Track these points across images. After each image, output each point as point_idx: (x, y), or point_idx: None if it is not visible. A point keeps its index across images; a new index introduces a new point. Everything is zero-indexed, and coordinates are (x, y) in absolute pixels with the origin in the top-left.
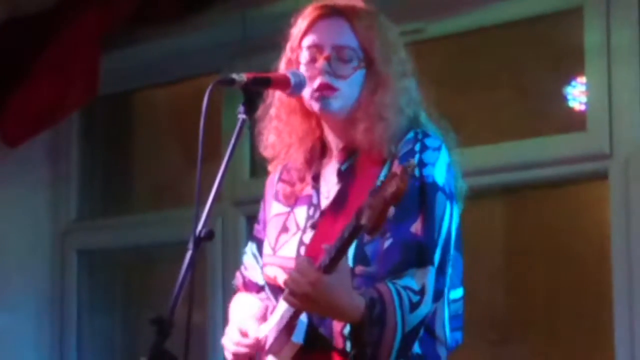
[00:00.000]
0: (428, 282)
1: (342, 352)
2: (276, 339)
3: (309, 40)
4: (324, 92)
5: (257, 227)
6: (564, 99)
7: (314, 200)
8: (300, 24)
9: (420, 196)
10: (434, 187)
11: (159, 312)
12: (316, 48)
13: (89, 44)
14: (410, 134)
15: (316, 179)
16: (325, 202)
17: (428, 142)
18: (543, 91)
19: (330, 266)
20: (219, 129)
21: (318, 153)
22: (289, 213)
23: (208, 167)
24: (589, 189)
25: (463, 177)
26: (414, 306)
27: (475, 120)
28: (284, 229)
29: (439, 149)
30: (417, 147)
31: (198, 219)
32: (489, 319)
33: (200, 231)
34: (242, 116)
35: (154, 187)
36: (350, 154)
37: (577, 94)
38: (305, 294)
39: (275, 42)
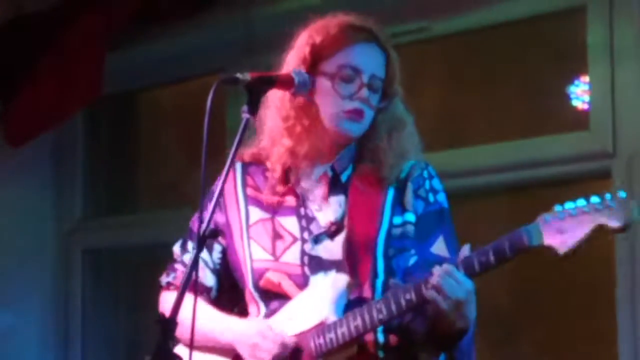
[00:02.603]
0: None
1: (374, 358)
2: (336, 345)
3: (349, 59)
4: (356, 116)
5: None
6: (567, 98)
7: (302, 212)
8: (338, 36)
9: (439, 220)
10: (448, 212)
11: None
12: (355, 71)
13: (93, 44)
14: (411, 161)
15: (299, 189)
16: (320, 215)
17: (431, 170)
18: (546, 90)
19: (475, 276)
20: (223, 128)
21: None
22: (272, 219)
23: (212, 166)
24: (592, 188)
25: (466, 176)
26: None
27: (479, 119)
28: (277, 235)
29: (438, 176)
30: (425, 174)
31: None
32: (493, 319)
33: (205, 230)
34: (246, 115)
35: (159, 186)
36: (348, 165)
37: (580, 93)
38: (458, 299)
39: (279, 41)
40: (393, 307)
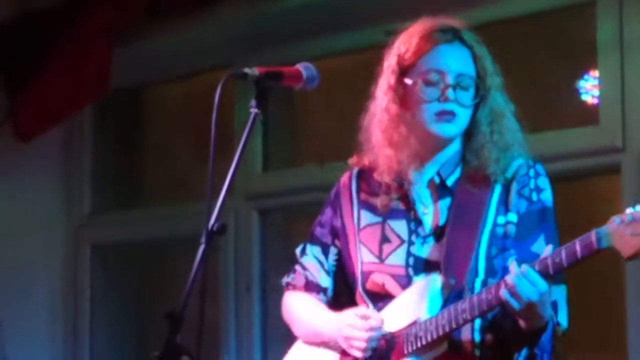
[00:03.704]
0: (560, 299)
1: (472, 356)
2: (425, 343)
3: (431, 63)
4: (447, 116)
5: (322, 231)
6: (576, 92)
7: (412, 216)
8: (420, 42)
9: (541, 219)
10: (551, 211)
11: (171, 307)
12: (439, 74)
13: (101, 39)
14: (520, 160)
15: (410, 194)
16: (426, 218)
17: (539, 168)
18: (555, 85)
19: (549, 278)
20: (231, 123)
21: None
22: (383, 224)
23: (220, 162)
24: (601, 182)
25: None
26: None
27: None
28: (385, 239)
29: (546, 175)
30: (532, 172)
31: (210, 213)
32: None
33: (213, 225)
34: (254, 110)
35: (167, 181)
36: (455, 168)
37: (589, 88)
38: (530, 300)
39: (286, 36)
40: (475, 307)
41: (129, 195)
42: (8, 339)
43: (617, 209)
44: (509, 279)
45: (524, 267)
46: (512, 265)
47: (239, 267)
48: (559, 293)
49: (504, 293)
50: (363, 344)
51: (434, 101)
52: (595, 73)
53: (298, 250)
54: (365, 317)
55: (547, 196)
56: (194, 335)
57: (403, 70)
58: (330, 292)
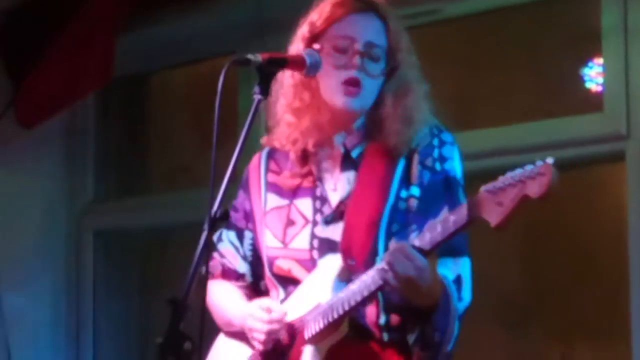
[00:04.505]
0: (464, 273)
1: (380, 341)
2: (321, 329)
3: (341, 29)
4: (352, 87)
5: (236, 215)
6: (580, 80)
7: (318, 193)
8: (333, 10)
9: (445, 190)
10: (456, 181)
11: (174, 293)
12: (349, 40)
13: (104, 26)
14: (425, 129)
15: (317, 170)
16: (333, 195)
17: (444, 137)
18: (560, 72)
19: (428, 253)
20: (234, 109)
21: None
22: (289, 206)
23: (224, 148)
24: (605, 170)
25: (480, 158)
26: (459, 298)
27: (492, 101)
28: (290, 222)
29: (453, 143)
30: (436, 142)
31: (214, 200)
32: (505, 303)
33: (216, 212)
34: (257, 96)
35: (170, 168)
36: (361, 141)
37: (593, 75)
38: (409, 277)
39: (290, 22)
40: (364, 288)
41: (132, 182)
42: (11, 325)
43: (621, 196)
44: (386, 255)
45: (400, 243)
46: (392, 242)
47: None
48: (462, 266)
49: (380, 270)
50: (262, 337)
51: (341, 68)
52: (600, 60)
53: (215, 237)
54: (268, 310)
55: (453, 165)
56: (196, 322)
57: (313, 37)
58: (249, 278)
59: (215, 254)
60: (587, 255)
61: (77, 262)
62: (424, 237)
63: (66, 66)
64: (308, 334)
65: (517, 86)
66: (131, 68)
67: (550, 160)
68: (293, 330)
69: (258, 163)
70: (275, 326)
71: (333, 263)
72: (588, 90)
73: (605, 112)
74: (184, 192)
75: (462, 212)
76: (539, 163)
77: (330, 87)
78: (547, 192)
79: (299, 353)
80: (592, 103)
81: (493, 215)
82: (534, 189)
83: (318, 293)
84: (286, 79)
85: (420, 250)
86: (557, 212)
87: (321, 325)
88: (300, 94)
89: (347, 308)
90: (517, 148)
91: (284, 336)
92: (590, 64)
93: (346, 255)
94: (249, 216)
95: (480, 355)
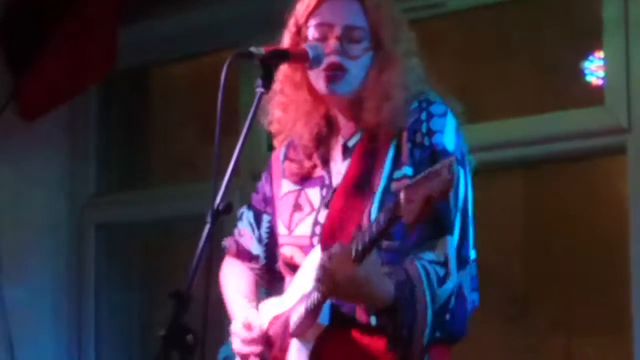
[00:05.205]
0: (449, 252)
1: (366, 327)
2: (300, 322)
3: (318, 17)
4: (334, 72)
5: (256, 197)
6: (581, 73)
7: (326, 181)
8: (310, 2)
9: (431, 165)
10: (445, 154)
11: (177, 286)
12: (327, 27)
13: (106, 17)
14: (415, 104)
15: (326, 159)
16: (336, 181)
17: (433, 109)
18: (561, 66)
19: (363, 255)
20: (237, 102)
21: (325, 130)
22: (299, 191)
23: (226, 141)
24: (606, 163)
25: (481, 151)
26: (442, 280)
27: (494, 94)
28: (297, 207)
29: (444, 114)
30: (423, 115)
31: (216, 193)
32: (508, 293)
33: (218, 205)
34: (260, 90)
35: (172, 161)
36: (357, 129)
37: (594, 69)
38: (339, 285)
39: None
40: None
41: (134, 175)
42: (13, 317)
43: (622, 189)
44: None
45: (328, 252)
46: (335, 246)
47: None
48: (449, 245)
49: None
50: (242, 352)
51: (325, 57)
52: (601, 54)
53: (238, 213)
54: (248, 327)
55: (442, 139)
56: (199, 315)
57: (298, 30)
58: (262, 260)
59: (235, 231)
60: (588, 247)
61: (79, 254)
62: (363, 235)
63: (68, 59)
64: (292, 326)
65: (519, 80)
66: (133, 61)
67: (448, 159)
68: (279, 335)
69: (279, 150)
70: (252, 347)
71: (316, 251)
72: (589, 84)
73: (606, 106)
74: (185, 185)
75: (390, 208)
76: (443, 161)
77: (315, 76)
78: (446, 192)
79: (286, 346)
80: (593, 96)
81: (405, 214)
82: (435, 189)
83: (303, 282)
84: (278, 75)
85: (361, 252)
86: (558, 205)
87: (301, 316)
88: (283, 89)
89: (321, 297)
90: (519, 141)
91: (262, 350)
92: (591, 58)
93: (327, 245)
94: (267, 200)
95: (482, 347)
